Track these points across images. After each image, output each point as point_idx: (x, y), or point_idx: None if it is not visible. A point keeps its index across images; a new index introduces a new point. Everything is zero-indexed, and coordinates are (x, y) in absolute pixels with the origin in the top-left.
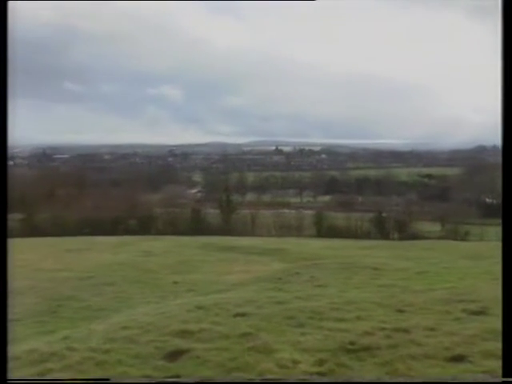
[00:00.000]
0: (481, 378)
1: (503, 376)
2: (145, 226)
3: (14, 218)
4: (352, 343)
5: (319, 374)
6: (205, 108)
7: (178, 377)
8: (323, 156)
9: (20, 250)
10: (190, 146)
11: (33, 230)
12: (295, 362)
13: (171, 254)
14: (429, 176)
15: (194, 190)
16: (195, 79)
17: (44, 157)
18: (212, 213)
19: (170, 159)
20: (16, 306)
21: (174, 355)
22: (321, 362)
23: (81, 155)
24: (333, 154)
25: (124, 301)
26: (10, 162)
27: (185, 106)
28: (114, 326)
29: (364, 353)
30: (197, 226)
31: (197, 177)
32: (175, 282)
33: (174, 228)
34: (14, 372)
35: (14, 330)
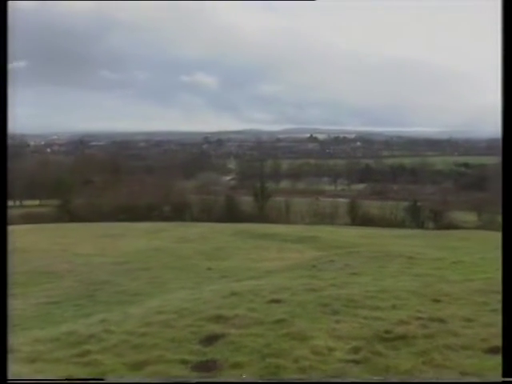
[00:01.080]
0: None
1: (503, 376)
2: (179, 213)
3: (51, 204)
4: (387, 332)
5: (354, 361)
6: (239, 95)
7: (213, 361)
8: (358, 144)
9: (58, 234)
10: (224, 133)
11: (69, 216)
12: (330, 350)
13: (205, 240)
14: (465, 165)
15: (228, 177)
16: (229, 66)
17: (80, 144)
18: (246, 200)
19: (205, 146)
20: (55, 289)
21: (210, 340)
22: (356, 350)
23: (116, 142)
24: (368, 142)
25: (159, 286)
26: (47, 149)
27: (219, 93)
28: (149, 310)
29: (399, 342)
30: (231, 213)
31: (231, 164)
32: (209, 268)
33: (208, 215)
34: (54, 353)
35: (53, 313)
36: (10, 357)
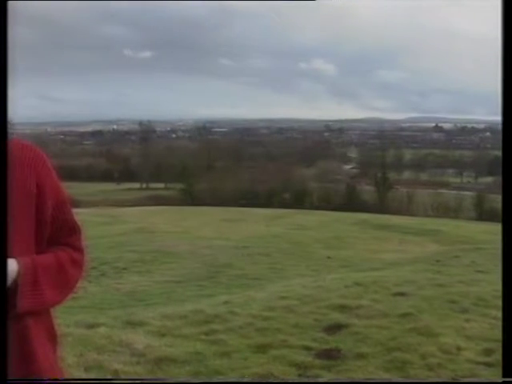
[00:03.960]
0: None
1: (503, 376)
2: (299, 200)
3: (175, 188)
4: None
5: (486, 364)
6: (360, 82)
7: (337, 350)
8: (487, 134)
9: (180, 217)
10: (345, 121)
11: (192, 199)
12: (459, 349)
13: (324, 228)
14: None
15: (349, 166)
16: (348, 53)
17: (204, 130)
18: (367, 189)
19: (326, 134)
20: (178, 269)
21: (333, 329)
22: (487, 352)
23: (238, 129)
24: (498, 133)
25: (278, 271)
26: (173, 135)
27: (339, 81)
28: (271, 294)
29: None
30: (351, 202)
31: (352, 152)
32: (329, 257)
33: (327, 203)
34: (181, 329)
35: (176, 291)
36: (142, 329)
